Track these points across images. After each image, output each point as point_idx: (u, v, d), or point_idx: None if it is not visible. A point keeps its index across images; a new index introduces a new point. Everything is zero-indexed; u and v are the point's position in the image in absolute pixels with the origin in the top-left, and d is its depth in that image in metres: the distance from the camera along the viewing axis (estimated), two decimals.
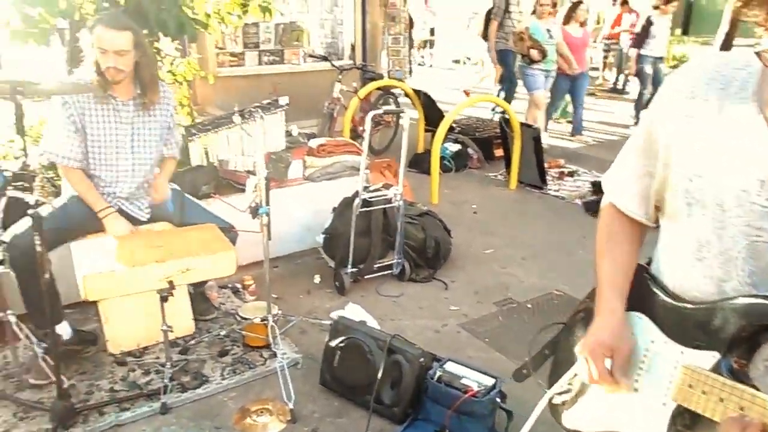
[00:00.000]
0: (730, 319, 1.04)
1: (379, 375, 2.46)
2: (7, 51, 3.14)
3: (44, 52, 3.41)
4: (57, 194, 3.03)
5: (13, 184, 2.48)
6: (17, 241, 2.47)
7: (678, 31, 9.90)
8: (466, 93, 8.24)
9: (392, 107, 6.55)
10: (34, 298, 2.46)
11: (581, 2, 7.07)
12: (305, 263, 3.96)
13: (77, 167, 2.71)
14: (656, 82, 7.77)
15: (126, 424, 2.40)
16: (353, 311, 3.15)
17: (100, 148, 2.73)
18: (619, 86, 11.13)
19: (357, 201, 3.51)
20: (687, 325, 1.12)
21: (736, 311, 1.03)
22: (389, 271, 3.73)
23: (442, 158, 5.65)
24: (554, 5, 6.67)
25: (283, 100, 2.74)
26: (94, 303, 2.75)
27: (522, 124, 5.54)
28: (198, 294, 3.19)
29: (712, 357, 1.06)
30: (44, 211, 2.22)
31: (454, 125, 6.30)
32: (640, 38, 7.75)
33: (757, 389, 0.98)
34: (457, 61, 15.08)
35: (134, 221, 2.84)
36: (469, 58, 14.64)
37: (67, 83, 2.66)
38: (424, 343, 2.76)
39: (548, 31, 6.48)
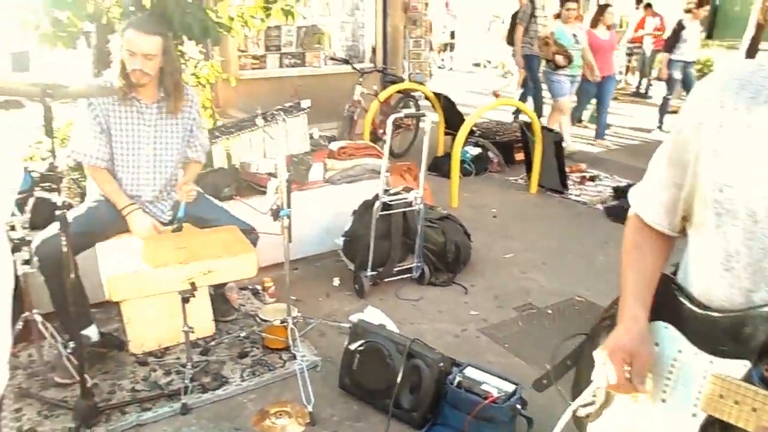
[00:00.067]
0: (760, 327, 1.02)
1: (399, 379, 2.46)
2: (37, 54, 3.18)
3: (71, 55, 3.46)
4: (82, 195, 3.08)
5: (40, 184, 2.54)
6: (46, 245, 2.51)
7: (702, 35, 9.77)
8: (496, 94, 8.20)
9: (412, 110, 6.55)
10: (63, 301, 2.50)
11: (609, 5, 7.01)
12: (324, 266, 3.97)
13: (104, 167, 2.76)
14: (687, 87, 7.65)
15: (147, 424, 2.43)
16: (372, 314, 3.15)
17: (123, 150, 2.77)
18: (642, 90, 11.00)
19: (377, 204, 3.51)
20: (716, 334, 1.10)
21: (767, 319, 1.01)
22: (409, 275, 3.73)
23: (462, 162, 5.63)
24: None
25: (305, 103, 2.76)
26: (117, 303, 2.79)
27: (543, 128, 5.50)
28: (218, 295, 3.21)
29: (743, 366, 1.04)
30: (70, 215, 2.26)
31: (474, 128, 6.28)
32: (671, 42, 7.62)
33: None
34: (477, 65, 15.04)
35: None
36: (489, 62, 14.59)
37: (93, 86, 2.71)
38: (444, 347, 2.75)
39: (574, 36, 6.42)
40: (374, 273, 3.58)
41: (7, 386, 1.26)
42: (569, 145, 6.68)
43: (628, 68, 11.63)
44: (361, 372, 2.59)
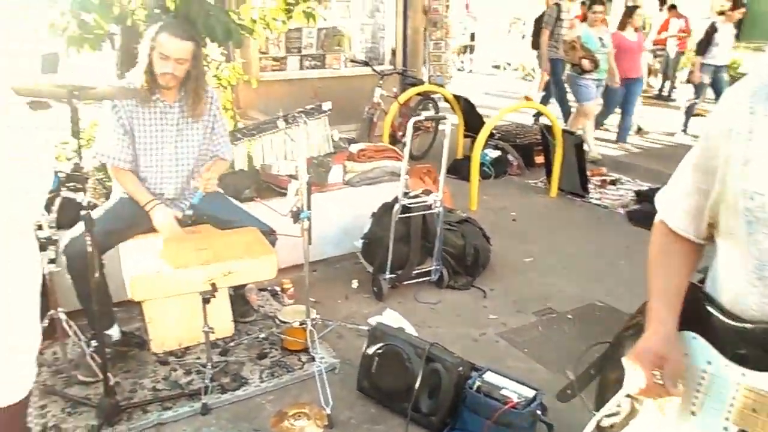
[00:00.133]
0: None
1: (417, 383, 2.45)
2: (64, 56, 3.24)
3: (96, 57, 3.51)
4: (107, 195, 3.12)
5: (66, 184, 2.58)
6: (74, 245, 2.55)
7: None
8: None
9: (432, 113, 6.54)
10: (88, 299, 2.54)
11: (638, 6, 6.92)
12: (343, 268, 3.98)
13: (127, 168, 2.80)
14: (717, 92, 7.51)
15: (168, 423, 2.45)
16: (391, 317, 3.15)
17: (146, 150, 2.81)
18: (665, 93, 10.86)
19: (397, 207, 3.50)
20: (747, 345, 1.08)
21: None
22: (427, 278, 3.72)
23: (482, 164, 5.61)
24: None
25: (327, 106, 2.76)
26: (139, 303, 2.82)
27: (564, 131, 5.46)
28: (238, 296, 3.23)
29: None
30: (95, 215, 2.29)
31: (494, 131, 6.25)
32: (703, 45, 7.48)
33: None
34: (497, 67, 14.97)
35: (178, 222, 2.90)
36: (509, 64, 14.52)
37: (119, 87, 2.74)
38: (462, 351, 2.73)
39: (600, 39, 6.35)
40: (393, 276, 3.58)
41: (33, 383, 1.29)
42: (592, 150, 6.60)
43: (650, 70, 11.50)
44: (380, 375, 2.59)
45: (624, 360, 1.22)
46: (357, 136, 5.98)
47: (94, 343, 2.53)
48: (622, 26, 6.76)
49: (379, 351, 2.60)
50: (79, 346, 2.67)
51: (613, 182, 5.97)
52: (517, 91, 11.35)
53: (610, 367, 1.39)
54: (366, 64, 6.43)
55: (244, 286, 3.24)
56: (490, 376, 2.44)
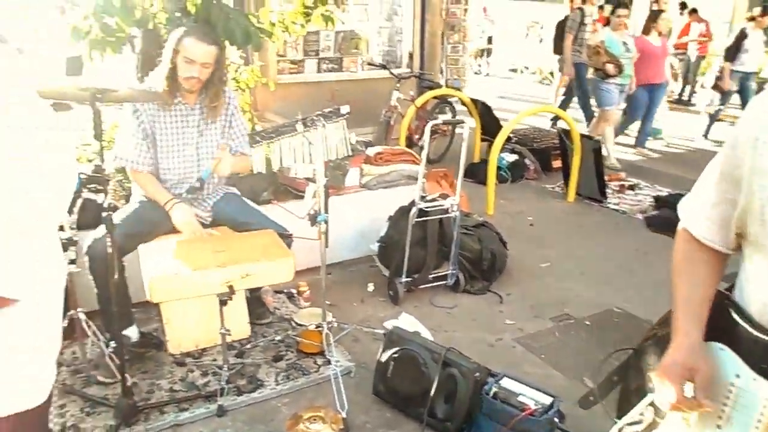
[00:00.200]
0: None
1: (433, 388, 2.44)
2: (86, 59, 3.28)
3: (116, 60, 3.55)
4: (127, 197, 3.15)
5: (87, 186, 2.60)
6: (96, 246, 2.58)
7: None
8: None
9: (449, 116, 6.53)
10: (108, 300, 2.56)
11: (663, 11, 6.84)
12: (359, 271, 3.97)
13: (147, 171, 2.82)
14: (743, 99, 7.42)
15: (184, 425, 2.46)
16: (407, 321, 3.13)
17: (167, 152, 2.84)
18: (685, 98, 10.75)
19: (413, 210, 3.50)
20: None
21: None
22: (443, 282, 3.70)
23: (499, 168, 5.58)
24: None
25: (345, 109, 2.76)
26: (156, 304, 2.84)
27: (582, 136, 5.42)
28: (254, 298, 3.24)
29: None
30: (117, 217, 2.31)
31: (511, 135, 6.22)
32: (732, 51, 7.36)
33: None
34: (514, 70, 14.91)
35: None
36: (527, 67, 14.45)
37: (141, 91, 2.77)
38: (478, 356, 2.71)
39: (624, 44, 6.28)
40: (409, 279, 3.57)
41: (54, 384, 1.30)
42: (610, 156, 6.51)
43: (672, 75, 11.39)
44: (396, 379, 2.58)
45: (652, 375, 1.20)
46: (374, 139, 5.99)
47: (112, 344, 2.55)
48: (646, 31, 6.65)
49: (395, 355, 2.59)
50: (98, 346, 2.69)
51: (632, 187, 5.91)
52: (534, 95, 11.31)
53: (632, 375, 1.38)
54: (383, 67, 6.43)
55: (260, 288, 3.26)
56: (506, 382, 2.42)
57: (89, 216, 2.63)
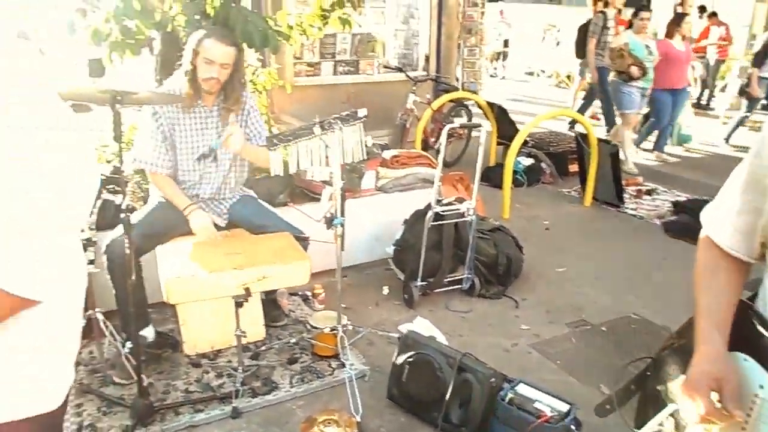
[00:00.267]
0: None
1: (448, 393, 2.43)
2: (106, 61, 3.31)
3: (134, 62, 3.58)
4: (145, 199, 3.18)
5: (106, 187, 2.63)
6: (115, 246, 2.61)
7: None
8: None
9: (465, 119, 6.51)
10: (125, 300, 2.58)
11: (687, 14, 6.75)
12: (374, 274, 3.97)
13: (165, 174, 2.84)
14: None
15: (200, 426, 2.47)
16: (421, 325, 3.13)
17: (187, 154, 2.87)
18: (704, 102, 10.63)
19: (429, 214, 3.49)
20: None
21: None
22: (459, 286, 3.69)
23: (514, 172, 5.54)
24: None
25: (362, 112, 2.75)
26: (172, 305, 2.85)
27: (600, 140, 5.37)
28: (269, 301, 3.25)
29: None
30: (134, 218, 2.33)
31: (527, 139, 6.18)
32: (760, 57, 7.24)
33: None
34: (530, 73, 14.85)
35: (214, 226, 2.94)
36: (543, 71, 14.39)
37: (161, 93, 2.80)
38: (493, 361, 2.69)
39: (647, 47, 6.22)
40: (424, 283, 3.56)
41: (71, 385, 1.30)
42: (628, 161, 6.44)
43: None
44: (410, 384, 2.57)
45: (676, 387, 1.17)
46: (390, 142, 5.98)
47: (129, 344, 2.57)
48: (669, 34, 6.55)
49: (410, 359, 2.58)
50: (114, 346, 2.71)
51: (649, 192, 5.85)
52: (550, 98, 11.24)
53: (650, 384, 1.36)
54: (399, 70, 6.43)
55: (275, 290, 3.26)
56: (522, 388, 2.41)
57: (108, 217, 2.66)
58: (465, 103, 6.73)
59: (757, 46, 7.65)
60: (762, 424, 1.08)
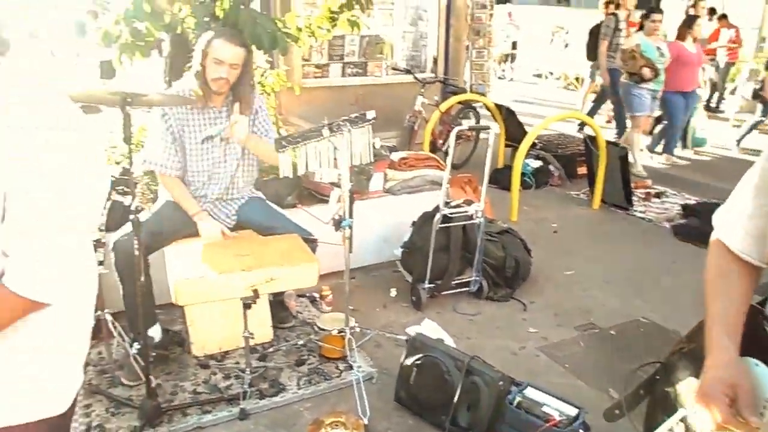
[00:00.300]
0: None
1: (456, 396, 2.42)
2: (116, 63, 3.33)
3: (143, 64, 3.60)
4: (154, 199, 3.19)
5: (115, 188, 2.64)
6: (122, 243, 2.62)
7: None
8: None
9: (473, 121, 6.50)
10: (132, 300, 2.59)
11: (698, 16, 6.70)
12: (382, 276, 3.97)
13: (175, 175, 2.85)
14: None
15: (207, 427, 2.47)
16: (429, 327, 3.12)
17: (196, 156, 2.88)
18: (713, 105, 10.56)
19: (437, 216, 3.48)
20: None
21: None
22: (466, 289, 3.68)
23: (523, 174, 5.53)
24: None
25: (371, 114, 2.76)
26: (181, 306, 2.86)
27: (608, 142, 5.35)
28: (277, 302, 3.25)
29: None
30: (143, 217, 2.34)
31: (536, 141, 6.16)
32: None
33: None
34: (538, 75, 14.80)
35: None
36: (551, 73, 14.34)
37: (170, 95, 2.81)
38: (501, 364, 2.69)
39: (658, 49, 6.19)
40: (432, 285, 3.55)
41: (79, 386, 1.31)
42: (636, 164, 6.40)
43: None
44: (418, 386, 2.57)
45: (691, 398, 1.16)
46: (398, 144, 5.98)
47: (137, 345, 2.58)
48: (681, 36, 6.50)
49: (418, 362, 2.57)
50: (123, 347, 2.72)
51: (658, 195, 5.82)
52: (559, 100, 11.21)
53: (659, 389, 1.35)
54: (408, 71, 6.43)
55: (283, 292, 3.27)
56: (530, 392, 2.40)
57: (116, 218, 2.67)
58: (473, 105, 6.72)
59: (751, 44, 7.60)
60: None
